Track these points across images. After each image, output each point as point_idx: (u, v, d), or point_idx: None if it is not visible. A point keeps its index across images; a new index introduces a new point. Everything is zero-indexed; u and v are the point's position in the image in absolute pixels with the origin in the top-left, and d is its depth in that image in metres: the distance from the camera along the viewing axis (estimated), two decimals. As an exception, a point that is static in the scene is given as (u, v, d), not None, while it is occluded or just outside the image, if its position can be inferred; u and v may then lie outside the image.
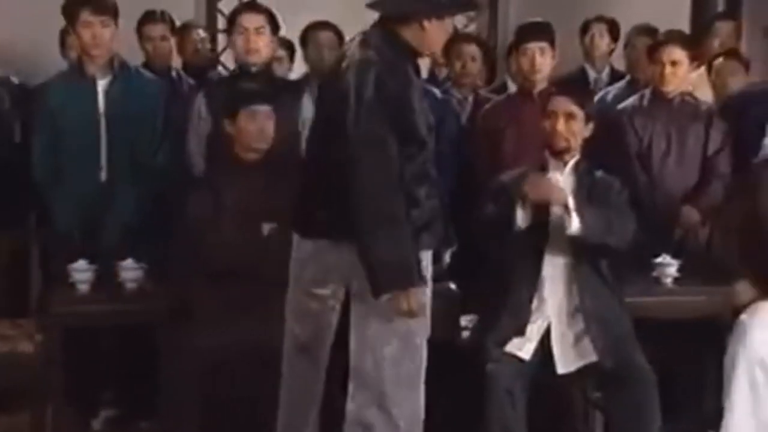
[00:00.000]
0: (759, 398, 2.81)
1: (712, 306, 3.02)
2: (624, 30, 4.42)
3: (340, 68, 2.43)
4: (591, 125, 2.91)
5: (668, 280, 3.10)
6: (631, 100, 3.59)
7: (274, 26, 3.35)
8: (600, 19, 4.53)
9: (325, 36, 3.87)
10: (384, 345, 2.43)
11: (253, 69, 3.31)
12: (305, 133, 3.29)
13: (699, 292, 3.07)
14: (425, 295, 2.46)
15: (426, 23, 2.43)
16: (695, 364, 3.08)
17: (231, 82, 3.36)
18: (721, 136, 3.47)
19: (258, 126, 3.12)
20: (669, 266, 3.10)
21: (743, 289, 3.02)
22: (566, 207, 2.75)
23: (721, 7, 5.40)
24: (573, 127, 2.85)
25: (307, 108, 3.35)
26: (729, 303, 3.00)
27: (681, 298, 3.06)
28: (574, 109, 2.86)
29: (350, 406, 2.47)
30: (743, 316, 2.93)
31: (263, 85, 3.27)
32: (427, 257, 2.47)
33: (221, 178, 3.14)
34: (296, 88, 3.50)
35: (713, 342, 2.96)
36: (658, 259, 3.11)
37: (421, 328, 2.47)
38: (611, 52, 4.43)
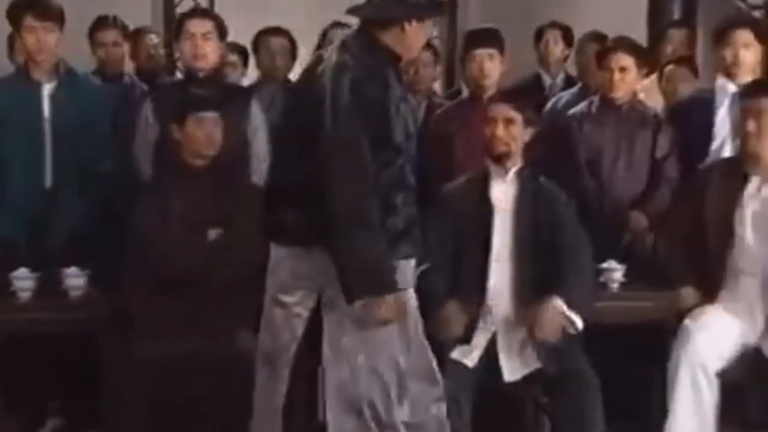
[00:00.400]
0: (701, 400, 2.85)
1: (657, 311, 3.03)
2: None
3: (314, 73, 2.42)
4: (530, 130, 2.92)
5: (614, 285, 3.12)
6: (580, 107, 3.61)
7: (222, 32, 3.33)
8: (554, 25, 4.57)
9: (277, 42, 3.87)
10: (358, 353, 2.41)
11: (201, 74, 3.29)
12: (258, 138, 3.32)
13: (644, 297, 3.08)
14: (407, 301, 2.44)
15: (407, 26, 2.43)
16: (641, 367, 3.09)
17: (179, 88, 3.34)
18: (668, 141, 3.50)
19: (206, 132, 3.10)
20: (615, 271, 3.11)
21: (687, 293, 3.06)
22: None
23: (677, 14, 5.49)
24: (512, 132, 2.86)
25: (256, 114, 3.35)
26: (673, 308, 3.03)
27: (626, 303, 3.07)
28: (513, 114, 2.87)
29: (330, 416, 2.45)
30: (687, 321, 2.97)
31: (211, 91, 3.24)
32: (408, 266, 2.45)
33: (168, 185, 3.12)
34: (245, 94, 3.49)
35: (658, 346, 2.99)
36: (604, 265, 3.12)
37: (396, 335, 2.44)
38: (566, 58, 4.47)
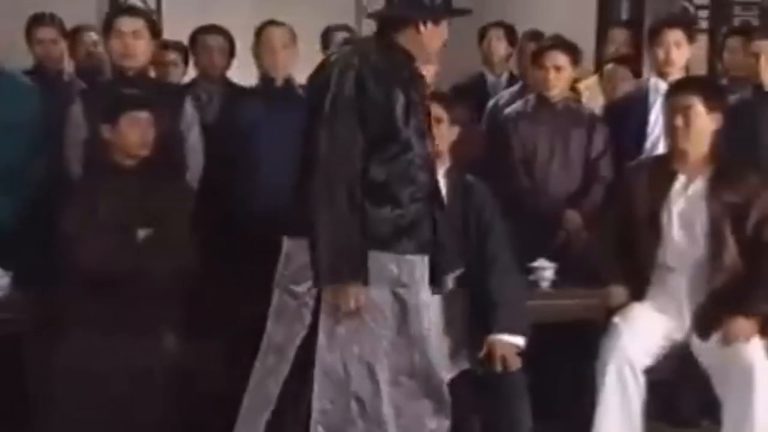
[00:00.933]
0: (627, 396, 2.87)
1: (587, 309, 3.05)
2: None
3: (323, 71, 2.48)
4: (457, 128, 2.92)
5: (545, 284, 3.13)
6: (516, 105, 3.63)
7: (154, 30, 3.29)
8: (497, 24, 4.58)
9: (215, 40, 3.84)
10: (353, 344, 2.43)
11: (130, 73, 3.25)
12: (192, 136, 3.29)
13: (575, 295, 3.09)
14: (380, 296, 2.43)
15: (422, 28, 2.46)
16: (573, 365, 3.10)
17: (109, 88, 3.30)
18: (603, 140, 3.52)
19: (137, 132, 3.06)
20: (546, 270, 3.13)
21: (617, 291, 3.07)
22: None
23: (624, 14, 5.52)
24: (440, 131, 2.86)
25: (189, 112, 3.32)
26: (603, 306, 3.04)
27: (557, 302, 3.08)
28: (440, 113, 2.87)
29: (316, 404, 2.45)
30: (615, 319, 2.98)
31: (143, 90, 3.21)
32: (416, 262, 2.47)
33: (96, 185, 3.07)
34: (178, 92, 3.46)
35: (589, 343, 3.00)
36: (536, 263, 3.13)
37: (396, 333, 2.45)
38: (509, 57, 4.48)
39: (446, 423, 2.60)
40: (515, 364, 2.79)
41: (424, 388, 2.55)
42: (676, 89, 3.04)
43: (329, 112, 2.38)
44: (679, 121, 2.95)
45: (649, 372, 2.94)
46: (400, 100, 2.43)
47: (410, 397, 2.53)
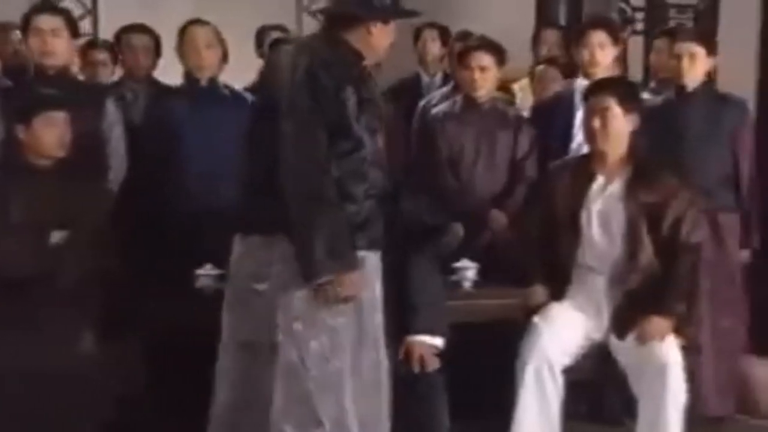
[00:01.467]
0: (546, 395, 2.89)
1: (508, 309, 3.06)
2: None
3: (275, 70, 2.52)
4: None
5: (468, 284, 3.13)
6: (443, 106, 3.64)
7: (73, 29, 3.24)
8: (432, 25, 4.59)
9: (139, 40, 3.80)
10: (311, 339, 2.42)
11: (51, 72, 3.19)
12: (114, 136, 3.25)
13: (496, 295, 3.10)
14: (368, 286, 2.44)
15: (372, 28, 2.47)
16: (494, 365, 3.11)
17: (26, 87, 3.24)
18: (529, 141, 3.54)
19: (53, 132, 3.00)
20: (468, 270, 3.13)
21: (537, 291, 3.09)
22: None
23: (563, 15, 5.57)
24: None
25: (111, 112, 3.28)
26: (524, 305, 3.06)
27: (479, 302, 3.09)
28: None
29: (276, 401, 2.45)
30: (535, 318, 3.00)
31: (63, 89, 3.15)
32: (373, 257, 2.47)
33: (11, 186, 3.01)
34: (99, 91, 3.41)
35: (511, 343, 3.01)
36: (458, 264, 3.13)
37: (353, 328, 2.46)
38: (443, 57, 4.48)
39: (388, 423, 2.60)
40: (433, 364, 2.80)
41: (378, 383, 2.55)
42: (593, 91, 3.07)
43: (294, 111, 2.38)
44: (596, 122, 2.98)
45: (569, 372, 2.97)
46: (352, 97, 2.42)
47: (367, 392, 2.53)
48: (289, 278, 2.42)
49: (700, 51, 3.51)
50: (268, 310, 2.48)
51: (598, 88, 3.06)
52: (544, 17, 5.51)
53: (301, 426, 2.43)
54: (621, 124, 2.99)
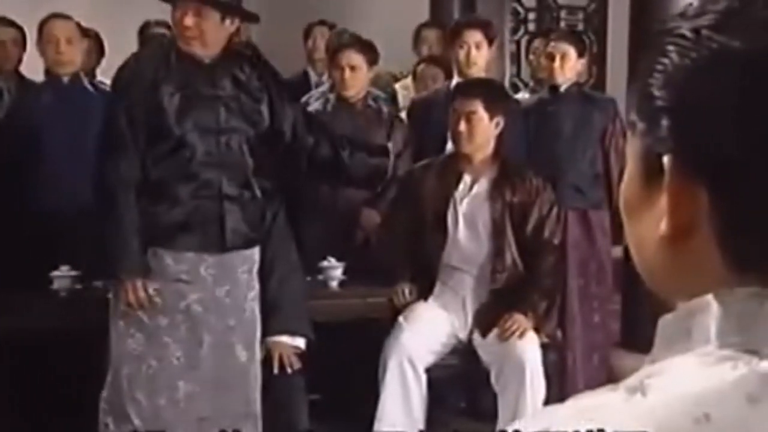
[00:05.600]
0: (408, 391, 2.90)
1: (374, 308, 3.06)
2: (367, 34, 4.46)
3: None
4: None
5: (334, 283, 3.12)
6: (316, 104, 3.60)
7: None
8: (322, 23, 4.57)
9: (7, 33, 3.68)
10: (126, 338, 2.46)
11: None
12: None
13: (363, 294, 3.10)
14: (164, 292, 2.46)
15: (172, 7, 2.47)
16: (359, 364, 3.11)
17: None
18: (402, 139, 3.54)
19: None
20: (335, 269, 3.11)
21: (404, 290, 3.09)
22: None
23: (456, 15, 5.60)
24: None
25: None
26: (390, 304, 3.06)
27: (345, 301, 3.08)
28: None
29: (104, 393, 2.48)
30: (400, 317, 3.00)
31: None
32: (207, 260, 2.47)
33: None
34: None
35: (376, 342, 3.01)
36: (324, 263, 3.12)
37: (171, 330, 2.46)
38: (332, 55, 4.45)
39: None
40: (294, 365, 2.77)
41: (224, 381, 2.53)
42: (459, 93, 3.08)
43: (107, 117, 2.46)
44: (461, 125, 2.99)
45: (436, 369, 2.98)
46: (173, 98, 2.41)
47: (206, 391, 2.51)
48: None
49: (571, 51, 3.57)
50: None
51: (465, 90, 3.08)
52: (437, 17, 5.53)
53: (118, 416, 2.46)
54: (486, 127, 3.00)
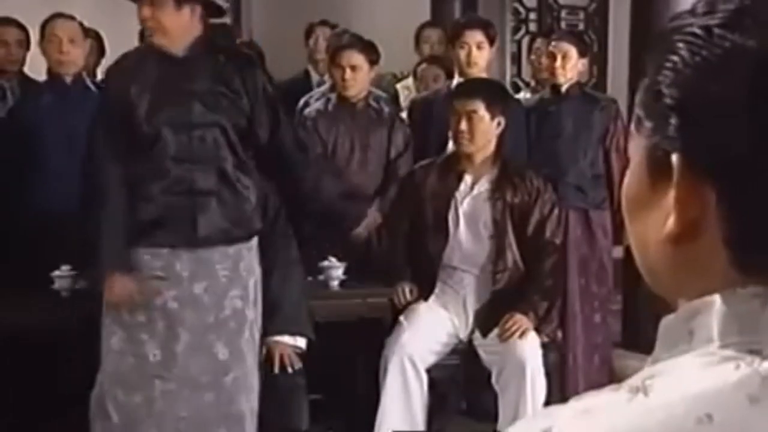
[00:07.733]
0: (409, 392, 2.89)
1: (375, 307, 3.05)
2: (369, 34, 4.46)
3: None
4: None
5: (334, 283, 3.11)
6: (317, 104, 3.60)
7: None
8: (323, 23, 4.56)
9: (9, 33, 3.66)
10: (110, 335, 2.50)
11: None
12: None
13: (363, 294, 3.09)
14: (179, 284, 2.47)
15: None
16: (361, 364, 3.10)
17: None
18: (403, 140, 3.54)
19: None
20: (336, 269, 3.11)
21: (404, 290, 3.09)
22: None
23: (458, 15, 5.60)
24: None
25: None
26: (391, 304, 3.05)
27: (346, 301, 3.07)
28: None
29: (93, 391, 2.49)
30: (401, 317, 3.00)
31: None
32: (183, 256, 2.48)
33: None
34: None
35: (377, 342, 3.01)
36: (325, 263, 3.11)
37: (150, 321, 2.47)
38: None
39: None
40: (294, 364, 2.77)
41: (213, 382, 2.52)
42: (461, 93, 3.08)
43: (91, 119, 2.51)
44: (463, 125, 2.99)
45: (437, 369, 2.98)
46: (144, 95, 2.43)
47: (184, 391, 2.49)
48: None
49: (572, 51, 3.57)
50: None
51: (465, 90, 3.07)
52: (438, 17, 5.53)
53: (96, 417, 2.49)
54: (487, 127, 3.00)
